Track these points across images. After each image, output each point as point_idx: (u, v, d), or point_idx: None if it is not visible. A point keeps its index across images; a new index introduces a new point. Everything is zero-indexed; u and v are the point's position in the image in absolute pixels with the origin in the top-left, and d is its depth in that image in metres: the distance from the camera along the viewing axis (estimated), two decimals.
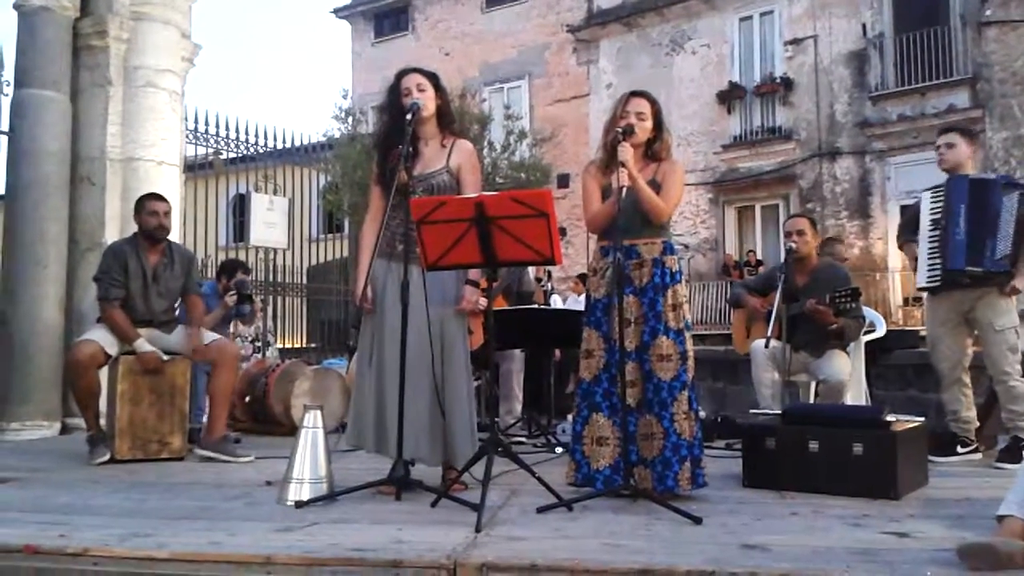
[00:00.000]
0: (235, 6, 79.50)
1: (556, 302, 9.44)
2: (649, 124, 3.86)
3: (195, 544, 2.85)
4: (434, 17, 22.79)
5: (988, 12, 15.41)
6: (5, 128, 6.47)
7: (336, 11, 24.68)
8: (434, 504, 3.44)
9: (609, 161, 3.81)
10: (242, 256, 7.88)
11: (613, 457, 3.73)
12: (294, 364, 6.72)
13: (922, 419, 4.32)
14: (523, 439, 5.65)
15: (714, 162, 18.27)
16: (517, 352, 6.13)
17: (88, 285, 5.07)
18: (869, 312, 5.76)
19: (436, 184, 3.84)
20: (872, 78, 16.63)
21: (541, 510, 3.33)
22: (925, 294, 5.08)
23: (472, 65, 21.31)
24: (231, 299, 6.01)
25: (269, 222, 9.48)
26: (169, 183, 6.65)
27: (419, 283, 3.65)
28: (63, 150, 6.45)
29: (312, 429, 3.69)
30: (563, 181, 18.79)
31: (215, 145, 10.11)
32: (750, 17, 18.22)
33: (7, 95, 6.51)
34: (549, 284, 7.03)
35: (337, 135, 15.95)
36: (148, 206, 5.05)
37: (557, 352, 6.82)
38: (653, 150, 3.91)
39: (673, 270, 3.81)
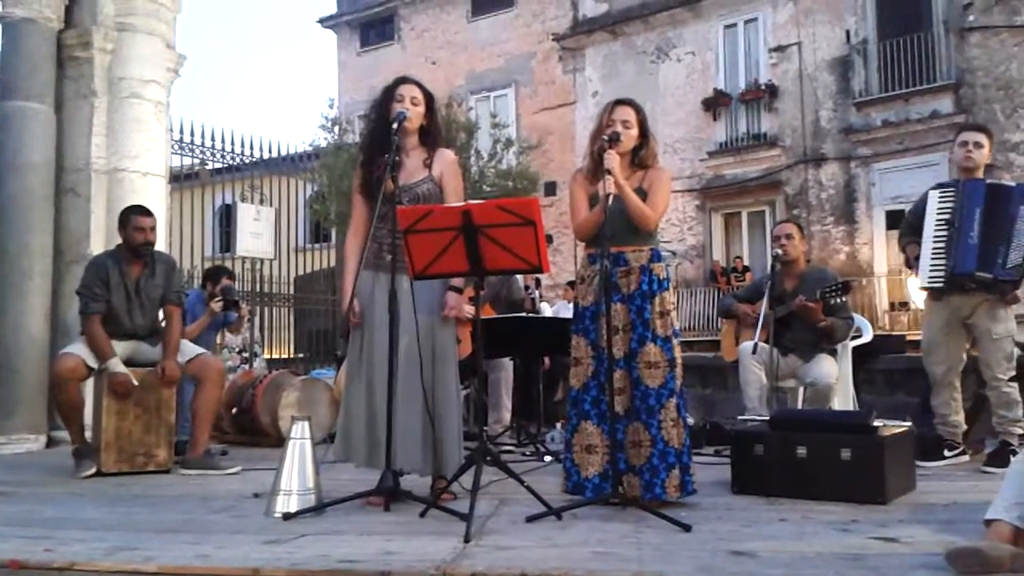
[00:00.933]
0: (220, 16, 79.45)
1: (544, 310, 9.45)
2: (635, 132, 3.87)
3: (182, 557, 2.83)
4: (420, 26, 22.81)
5: (971, 18, 15.53)
6: None
7: (322, 20, 24.68)
8: (423, 514, 3.43)
9: (596, 169, 3.81)
10: (228, 266, 7.85)
11: (602, 465, 3.73)
12: (281, 375, 6.69)
13: (909, 424, 4.34)
14: (512, 448, 5.64)
15: (700, 169, 18.32)
16: (506, 360, 6.13)
17: (73, 297, 5.04)
18: (856, 317, 5.78)
19: (421, 193, 3.84)
20: (856, 84, 16.73)
21: (530, 519, 3.32)
22: (924, 294, 5.01)
23: (458, 74, 21.35)
24: (217, 305, 5.96)
25: (256, 232, 9.47)
26: (155, 194, 6.62)
27: (407, 292, 3.64)
28: (48, 162, 6.42)
29: (300, 440, 3.67)
30: (550, 189, 18.82)
31: (201, 155, 10.07)
32: (735, 25, 18.31)
33: None
34: (537, 292, 7.03)
35: (323, 144, 15.95)
36: (134, 221, 4.99)
37: (546, 360, 6.82)
38: (639, 158, 3.92)
39: (661, 277, 3.82)
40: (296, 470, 3.60)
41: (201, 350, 5.20)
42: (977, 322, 4.73)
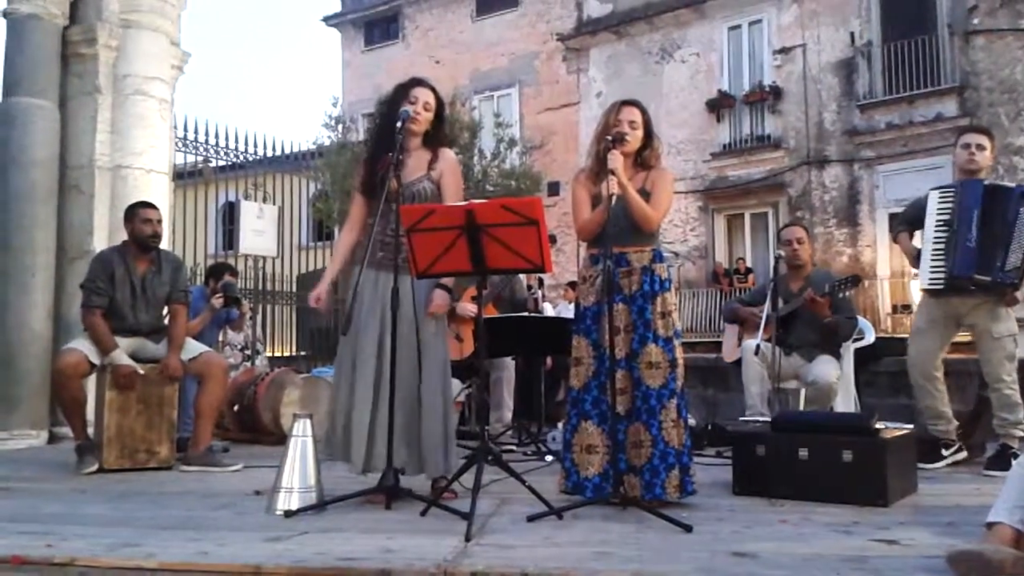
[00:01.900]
0: (225, 14, 79.44)
1: (547, 310, 9.44)
2: (640, 133, 3.87)
3: (184, 554, 2.83)
4: (424, 25, 22.81)
5: (975, 21, 15.50)
6: None
7: (326, 19, 24.67)
8: (424, 513, 3.43)
9: (599, 169, 3.81)
10: (231, 264, 7.84)
11: (602, 465, 3.73)
12: (283, 372, 6.70)
13: (911, 426, 4.34)
14: (513, 447, 5.64)
15: (703, 170, 18.31)
16: (508, 360, 6.13)
17: (76, 294, 5.05)
18: (858, 319, 5.80)
19: (418, 191, 3.85)
20: (860, 87, 16.71)
21: (531, 518, 3.32)
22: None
23: (462, 73, 21.33)
24: (218, 301, 5.93)
25: (258, 230, 9.48)
26: (158, 191, 6.63)
27: (408, 291, 3.64)
28: (52, 158, 6.43)
29: (302, 438, 3.67)
30: (553, 189, 18.81)
31: (204, 153, 10.07)
32: (739, 26, 18.29)
33: None
34: (540, 292, 7.03)
35: (327, 143, 15.95)
36: (141, 214, 5.01)
37: (548, 360, 6.83)
38: (643, 158, 3.92)
39: (663, 278, 3.82)
40: (297, 468, 3.61)
41: (205, 348, 5.20)
42: (977, 322, 4.73)
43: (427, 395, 3.77)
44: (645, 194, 3.82)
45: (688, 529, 3.15)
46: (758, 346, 5.30)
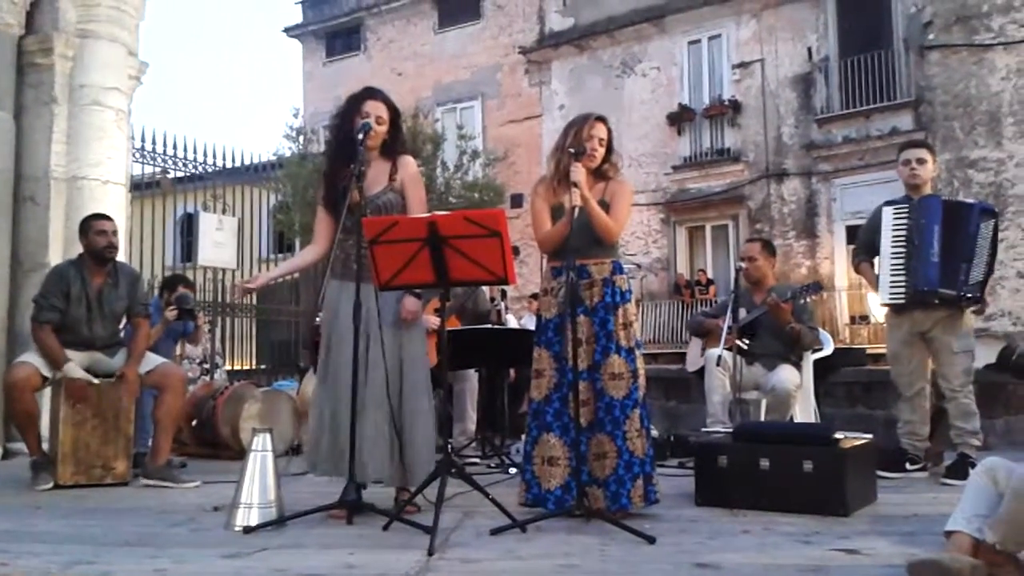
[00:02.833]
0: (184, 24, 78.80)
1: (511, 321, 9.43)
2: (603, 149, 3.90)
3: (140, 571, 2.78)
4: (386, 37, 22.78)
5: (931, 36, 15.79)
6: None
7: (287, 30, 24.55)
8: (386, 527, 3.40)
9: (560, 179, 3.82)
10: (189, 276, 7.74)
11: (564, 477, 3.73)
12: (243, 386, 6.62)
13: (870, 436, 4.39)
14: (477, 460, 5.63)
15: (664, 183, 18.45)
16: (471, 372, 6.11)
17: (31, 307, 4.96)
18: (819, 330, 5.86)
19: (383, 203, 3.83)
20: (818, 101, 16.95)
21: (495, 532, 3.31)
22: (885, 310, 5.09)
23: (425, 85, 21.33)
24: (171, 314, 5.79)
25: (218, 242, 9.37)
26: (115, 202, 6.54)
27: (373, 303, 3.62)
28: (6, 169, 6.31)
29: (261, 452, 3.63)
30: (516, 201, 18.85)
31: (162, 164, 9.95)
32: (699, 41, 18.48)
33: None
34: (503, 303, 7.02)
35: (288, 154, 15.87)
36: (96, 226, 4.94)
37: (512, 372, 6.82)
38: (602, 170, 3.94)
39: (623, 289, 3.85)
40: (257, 483, 3.56)
41: (162, 359, 5.13)
42: (937, 336, 4.79)
43: (412, 406, 3.75)
44: (604, 205, 3.84)
45: (652, 541, 3.15)
46: (720, 356, 5.35)
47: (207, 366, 7.47)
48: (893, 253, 4.80)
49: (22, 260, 6.36)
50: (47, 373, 4.73)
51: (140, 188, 9.74)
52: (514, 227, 16.85)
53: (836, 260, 16.59)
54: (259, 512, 3.51)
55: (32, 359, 4.75)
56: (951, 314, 4.75)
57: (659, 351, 16.55)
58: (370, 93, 3.94)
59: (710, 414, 5.38)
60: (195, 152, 10.23)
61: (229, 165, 10.76)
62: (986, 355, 6.60)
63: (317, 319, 3.79)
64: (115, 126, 6.74)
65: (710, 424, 5.28)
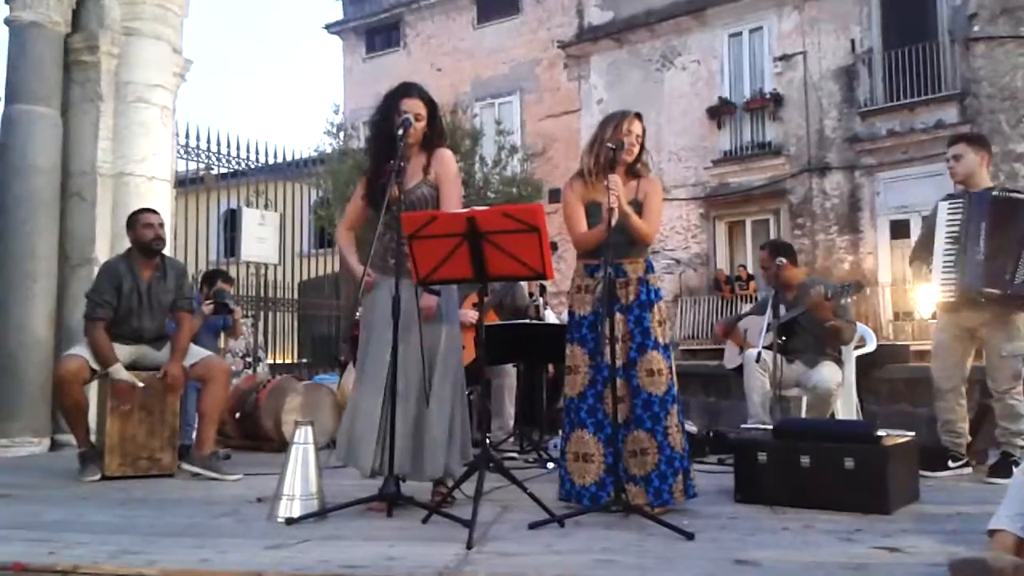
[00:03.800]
0: (227, 21, 79.63)
1: (549, 317, 9.42)
2: (639, 145, 3.90)
3: (185, 561, 2.83)
4: (425, 33, 22.86)
5: (976, 28, 15.52)
6: None
7: (328, 27, 24.73)
8: (425, 520, 3.43)
9: (597, 173, 3.82)
10: (232, 271, 7.84)
11: (598, 474, 3.74)
12: (285, 380, 6.70)
13: (913, 434, 4.34)
14: (515, 455, 5.64)
15: (704, 177, 18.32)
16: (509, 367, 6.12)
17: (78, 300, 5.05)
18: (860, 327, 5.80)
19: (417, 197, 3.85)
20: (861, 94, 16.72)
21: (533, 526, 3.32)
22: (934, 304, 4.94)
23: (463, 80, 21.37)
24: (207, 308, 5.88)
25: (260, 237, 9.47)
26: (160, 198, 6.64)
27: (411, 298, 3.64)
28: (53, 165, 6.44)
29: (303, 445, 3.67)
30: (554, 196, 18.79)
31: (206, 160, 10.09)
32: (740, 33, 18.32)
33: None
34: (542, 299, 7.02)
35: (328, 150, 15.98)
36: (142, 219, 5.02)
37: (550, 367, 6.82)
38: (635, 168, 3.94)
39: (656, 287, 3.89)
40: (299, 475, 3.60)
41: (206, 352, 5.20)
42: (987, 337, 4.70)
43: (435, 401, 3.77)
44: (637, 204, 3.85)
45: (690, 537, 3.15)
46: (759, 354, 5.32)
47: (250, 360, 7.57)
48: (946, 250, 4.69)
49: (69, 255, 6.48)
50: (96, 366, 4.81)
51: (184, 184, 9.88)
52: (552, 222, 16.84)
53: (879, 255, 16.38)
54: (301, 504, 3.55)
55: (82, 352, 4.83)
56: (1000, 314, 4.63)
57: (698, 347, 16.47)
58: (406, 90, 3.95)
59: (751, 414, 5.35)
60: (238, 148, 10.37)
61: (271, 161, 10.89)
62: None
63: (357, 314, 3.82)
64: (160, 123, 6.85)
65: (751, 423, 5.25)
